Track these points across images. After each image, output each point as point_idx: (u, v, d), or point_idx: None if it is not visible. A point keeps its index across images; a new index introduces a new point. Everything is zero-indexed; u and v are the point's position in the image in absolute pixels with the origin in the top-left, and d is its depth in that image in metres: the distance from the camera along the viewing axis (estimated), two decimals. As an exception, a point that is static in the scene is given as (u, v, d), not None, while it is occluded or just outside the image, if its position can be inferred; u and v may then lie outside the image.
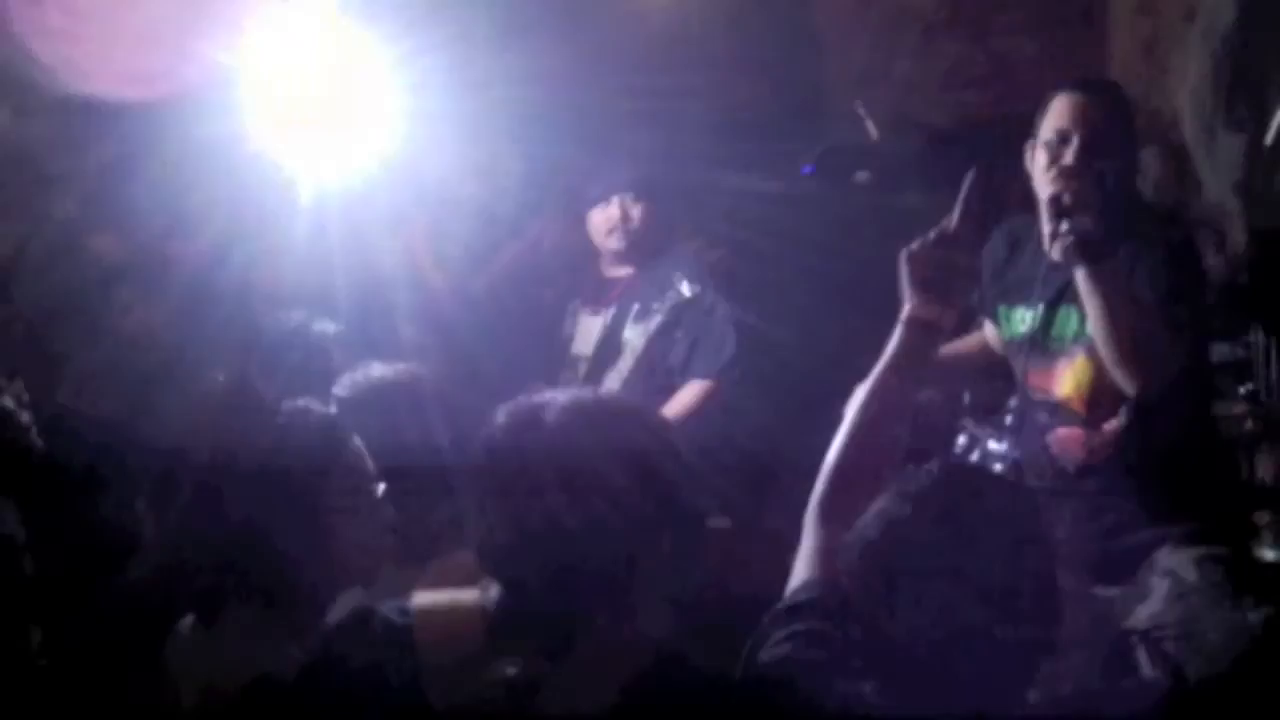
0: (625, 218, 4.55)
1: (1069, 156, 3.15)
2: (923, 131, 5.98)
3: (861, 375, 2.38)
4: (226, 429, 2.43)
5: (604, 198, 4.67)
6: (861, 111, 5.49)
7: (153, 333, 4.04)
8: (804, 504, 2.27)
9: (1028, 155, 3.30)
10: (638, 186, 4.65)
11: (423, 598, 1.99)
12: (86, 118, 4.50)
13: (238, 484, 2.25)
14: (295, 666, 2.07)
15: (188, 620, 2.34)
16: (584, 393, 2.22)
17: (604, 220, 4.62)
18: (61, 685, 2.88)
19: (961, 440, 4.14)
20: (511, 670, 1.84)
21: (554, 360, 4.57)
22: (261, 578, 2.25)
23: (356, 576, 2.39)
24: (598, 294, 4.66)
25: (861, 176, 5.35)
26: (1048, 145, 3.21)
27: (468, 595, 1.97)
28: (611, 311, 4.55)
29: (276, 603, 2.27)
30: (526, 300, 5.52)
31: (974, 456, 4.00)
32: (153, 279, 4.15)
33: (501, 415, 1.98)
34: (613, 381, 4.37)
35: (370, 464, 2.45)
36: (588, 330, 4.57)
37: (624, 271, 4.73)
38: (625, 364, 4.44)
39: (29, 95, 4.55)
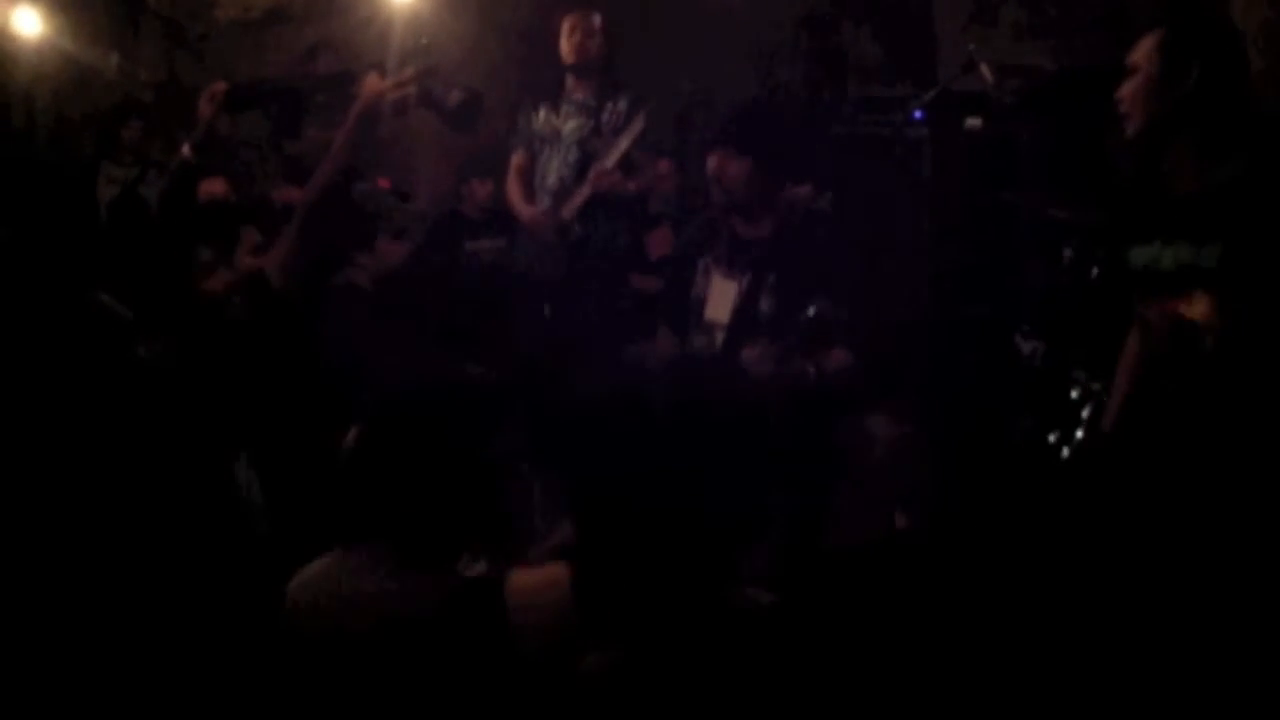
0: (722, 171, 4.37)
1: None
2: (1031, 75, 5.91)
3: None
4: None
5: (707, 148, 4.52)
6: (975, 56, 5.41)
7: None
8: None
9: None
10: (739, 139, 4.45)
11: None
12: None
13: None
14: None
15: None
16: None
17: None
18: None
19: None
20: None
21: (681, 317, 4.45)
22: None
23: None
24: (731, 254, 4.47)
25: (973, 122, 5.29)
26: None
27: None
28: (747, 279, 4.36)
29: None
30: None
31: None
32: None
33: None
34: (751, 355, 4.21)
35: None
36: (723, 295, 4.39)
37: (758, 232, 4.52)
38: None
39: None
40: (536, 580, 2.10)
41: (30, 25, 6.83)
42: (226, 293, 3.28)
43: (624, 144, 5.47)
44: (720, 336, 4.26)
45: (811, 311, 3.88)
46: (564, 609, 2.02)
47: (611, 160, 5.44)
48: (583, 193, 5.51)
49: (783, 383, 3.90)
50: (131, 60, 7.88)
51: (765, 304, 4.23)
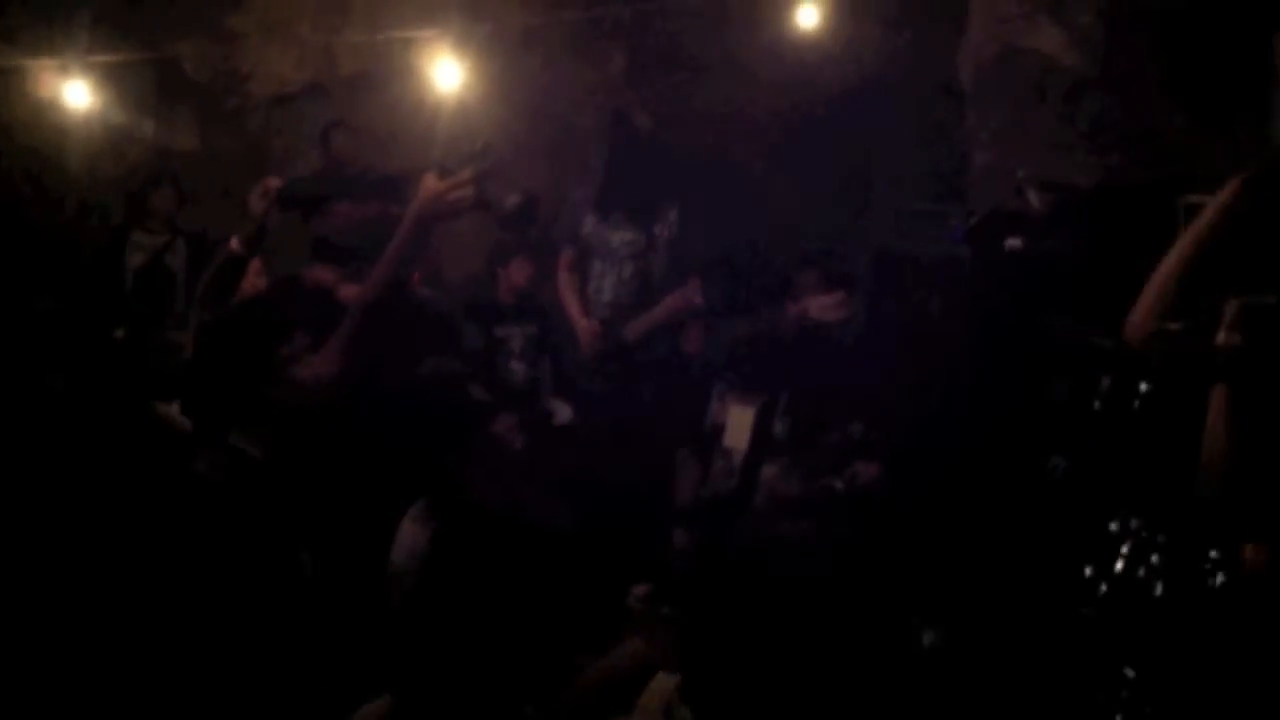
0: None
1: None
2: (1064, 191, 5.94)
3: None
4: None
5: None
6: (1023, 182, 5.45)
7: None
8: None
9: None
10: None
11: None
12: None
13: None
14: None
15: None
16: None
17: None
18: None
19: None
20: None
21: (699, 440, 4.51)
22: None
23: None
24: (747, 378, 4.55)
25: (1013, 242, 5.31)
26: None
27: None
28: (761, 402, 4.45)
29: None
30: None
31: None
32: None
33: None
34: (769, 472, 4.27)
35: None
36: (741, 422, 4.49)
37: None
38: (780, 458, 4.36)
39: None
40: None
41: (66, 91, 6.88)
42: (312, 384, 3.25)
43: (698, 281, 5.43)
44: (739, 460, 4.32)
45: (839, 434, 3.93)
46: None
47: (698, 296, 5.37)
48: (653, 319, 5.45)
49: (811, 500, 3.92)
50: (166, 129, 7.93)
51: (780, 425, 4.29)
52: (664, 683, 2.31)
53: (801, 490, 3.97)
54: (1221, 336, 2.88)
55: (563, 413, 5.92)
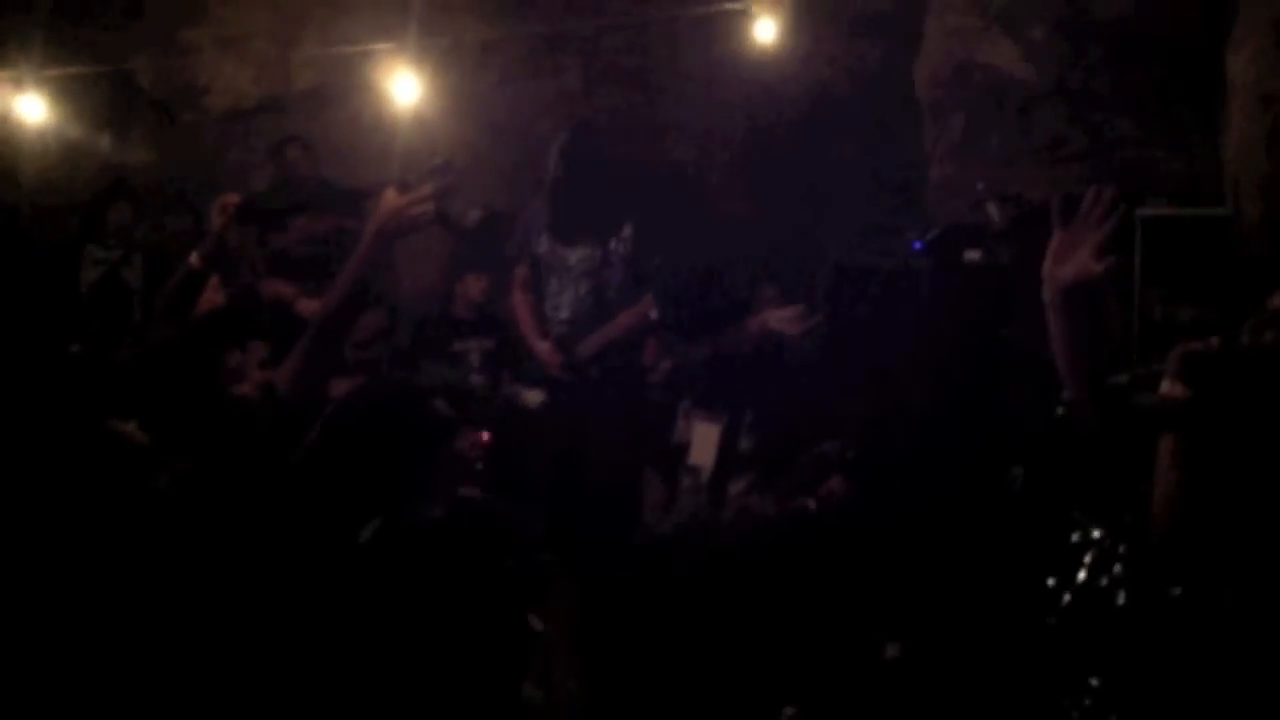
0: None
1: None
2: (1018, 204, 5.99)
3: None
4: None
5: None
6: (983, 195, 5.49)
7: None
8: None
9: None
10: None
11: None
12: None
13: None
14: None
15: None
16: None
17: None
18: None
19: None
20: None
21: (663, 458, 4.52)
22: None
23: None
24: (710, 395, 4.57)
25: (972, 255, 5.34)
26: None
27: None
28: (726, 419, 4.46)
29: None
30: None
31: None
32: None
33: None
34: (736, 488, 4.29)
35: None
36: (706, 439, 4.49)
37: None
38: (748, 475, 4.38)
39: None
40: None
41: (19, 105, 6.82)
42: (257, 400, 3.24)
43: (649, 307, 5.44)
44: (705, 477, 4.34)
45: (812, 452, 3.94)
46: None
47: (653, 311, 5.38)
48: (607, 335, 5.45)
49: (785, 519, 3.94)
50: (121, 143, 7.88)
51: (745, 441, 4.30)
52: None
53: (775, 510, 3.98)
54: (1165, 387, 2.89)
55: (533, 398, 5.89)
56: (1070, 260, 2.91)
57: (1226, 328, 2.95)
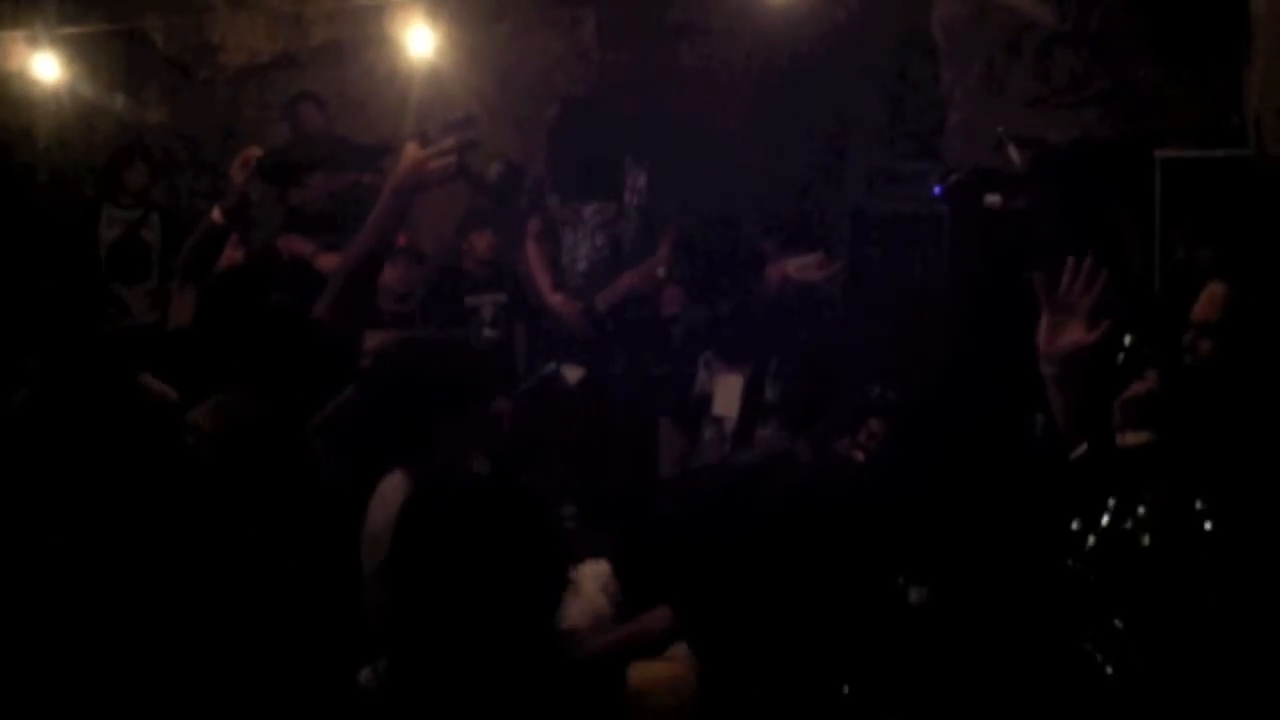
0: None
1: None
2: (1038, 147, 5.94)
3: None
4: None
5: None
6: (1004, 137, 5.44)
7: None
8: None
9: None
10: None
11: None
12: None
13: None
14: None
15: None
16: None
17: None
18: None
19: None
20: None
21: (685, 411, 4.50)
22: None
23: None
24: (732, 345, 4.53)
25: (992, 199, 5.32)
26: None
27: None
28: (749, 369, 4.42)
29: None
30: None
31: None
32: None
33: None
34: (762, 436, 4.26)
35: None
36: (729, 389, 4.46)
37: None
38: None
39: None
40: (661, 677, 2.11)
41: (34, 64, 6.80)
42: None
43: (666, 251, 5.40)
44: (730, 427, 4.32)
45: (848, 398, 3.92)
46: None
47: (662, 268, 5.34)
48: (625, 285, 5.42)
49: (828, 467, 3.92)
50: (135, 102, 7.86)
51: (771, 391, 4.27)
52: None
53: (814, 458, 3.94)
54: (1125, 439, 2.90)
55: (573, 374, 5.88)
56: (1063, 334, 2.98)
57: (1161, 356, 2.98)
